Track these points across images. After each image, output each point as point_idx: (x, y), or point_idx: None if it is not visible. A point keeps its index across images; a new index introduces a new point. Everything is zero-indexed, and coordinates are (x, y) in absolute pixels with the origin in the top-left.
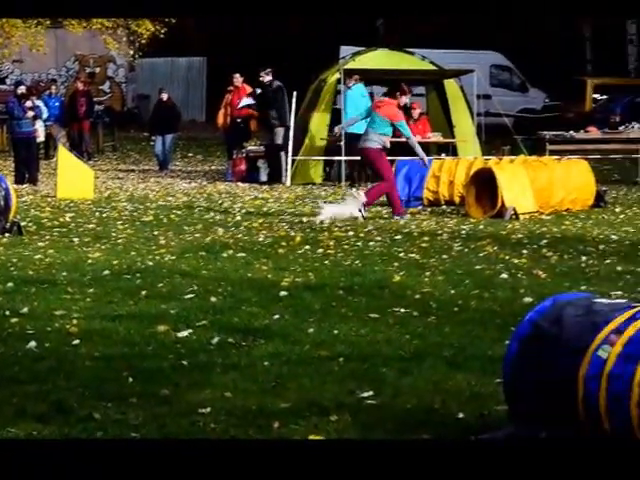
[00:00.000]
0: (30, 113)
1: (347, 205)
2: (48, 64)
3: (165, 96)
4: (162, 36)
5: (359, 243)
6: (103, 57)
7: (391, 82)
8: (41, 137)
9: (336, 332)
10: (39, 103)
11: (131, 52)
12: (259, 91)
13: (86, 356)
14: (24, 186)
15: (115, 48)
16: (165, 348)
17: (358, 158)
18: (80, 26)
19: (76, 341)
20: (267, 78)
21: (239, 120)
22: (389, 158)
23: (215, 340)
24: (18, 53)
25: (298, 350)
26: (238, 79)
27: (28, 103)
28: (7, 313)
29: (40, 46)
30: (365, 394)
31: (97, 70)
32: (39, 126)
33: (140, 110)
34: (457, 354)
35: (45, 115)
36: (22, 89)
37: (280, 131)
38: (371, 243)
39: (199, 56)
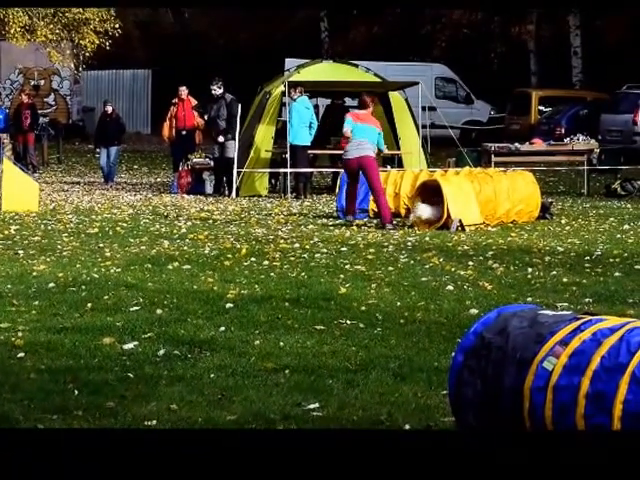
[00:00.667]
0: None
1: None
2: None
3: (110, 108)
4: (107, 48)
5: (305, 255)
6: (47, 70)
7: (336, 94)
8: None
9: (282, 344)
10: None
11: (74, 65)
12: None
13: (31, 369)
14: None
15: (59, 61)
16: (111, 360)
17: (303, 170)
18: (24, 39)
19: (21, 354)
20: (219, 91)
21: (184, 132)
22: (336, 170)
23: (161, 352)
24: None
25: (244, 362)
26: (184, 91)
27: None
28: None
29: None
30: (311, 406)
31: (42, 83)
32: None
33: (85, 122)
34: (403, 366)
35: None
36: None
37: (232, 144)
38: (317, 255)
39: (144, 68)
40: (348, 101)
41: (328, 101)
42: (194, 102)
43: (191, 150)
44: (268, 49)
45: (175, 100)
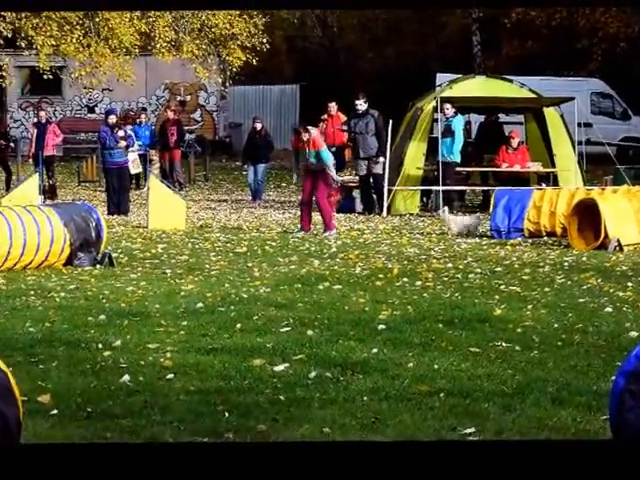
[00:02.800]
0: (122, 143)
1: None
2: (138, 92)
3: (259, 125)
4: (254, 63)
5: (458, 275)
6: (194, 85)
7: (489, 110)
8: (139, 169)
9: (436, 367)
10: (130, 132)
11: (221, 80)
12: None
13: (181, 390)
14: (115, 217)
15: (205, 76)
16: (261, 382)
17: (455, 188)
18: (170, 54)
19: (170, 375)
20: (364, 106)
21: (333, 149)
22: (489, 188)
23: (312, 374)
24: (108, 81)
25: (397, 385)
26: (333, 107)
27: (120, 133)
28: (100, 346)
29: (128, 76)
30: (467, 430)
31: (188, 98)
32: (134, 158)
33: (232, 139)
34: (561, 390)
35: (136, 145)
36: (113, 118)
37: (381, 160)
38: (471, 275)
39: (291, 83)
40: (502, 117)
41: (481, 117)
42: (343, 118)
43: (341, 167)
44: (417, 64)
45: (324, 116)
